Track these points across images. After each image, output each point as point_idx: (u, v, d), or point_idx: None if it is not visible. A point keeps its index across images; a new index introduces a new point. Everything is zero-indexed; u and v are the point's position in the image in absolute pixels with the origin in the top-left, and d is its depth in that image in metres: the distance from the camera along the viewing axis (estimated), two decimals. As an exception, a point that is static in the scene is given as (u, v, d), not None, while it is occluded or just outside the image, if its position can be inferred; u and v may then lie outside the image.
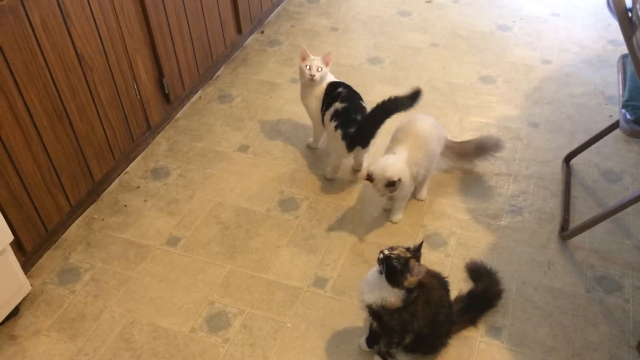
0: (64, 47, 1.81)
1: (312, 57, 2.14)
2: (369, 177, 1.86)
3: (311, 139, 2.37)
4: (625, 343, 1.67)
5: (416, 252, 1.45)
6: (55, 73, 1.80)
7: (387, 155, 1.93)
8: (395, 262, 1.41)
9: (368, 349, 1.66)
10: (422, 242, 1.48)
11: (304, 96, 2.25)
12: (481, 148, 2.18)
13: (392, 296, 1.44)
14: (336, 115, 2.07)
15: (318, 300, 1.82)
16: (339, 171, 2.23)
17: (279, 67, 2.85)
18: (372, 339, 1.63)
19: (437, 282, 1.55)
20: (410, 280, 1.41)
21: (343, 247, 1.98)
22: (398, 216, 2.06)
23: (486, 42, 2.98)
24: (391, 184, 1.84)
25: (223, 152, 2.38)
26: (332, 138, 2.11)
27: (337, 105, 2.08)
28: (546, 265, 1.90)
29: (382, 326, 1.52)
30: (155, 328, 1.75)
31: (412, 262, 1.41)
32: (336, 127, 2.06)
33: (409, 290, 1.43)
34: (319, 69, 2.13)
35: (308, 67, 2.13)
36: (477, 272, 1.81)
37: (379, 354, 1.62)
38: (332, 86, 2.17)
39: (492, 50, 2.92)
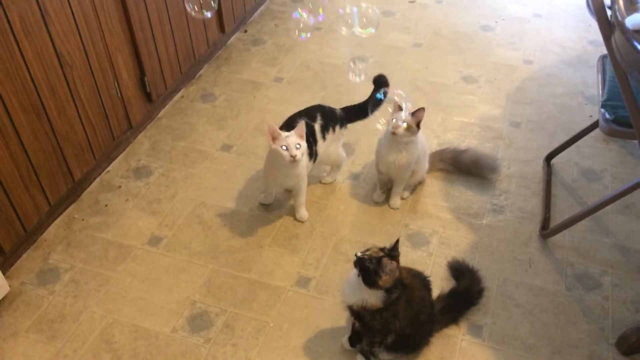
0: (43, 45, 1.79)
1: (284, 134, 1.81)
2: (399, 107, 1.86)
3: (263, 195, 2.13)
4: (604, 340, 1.69)
5: (392, 251, 1.44)
6: (34, 71, 1.78)
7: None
8: (367, 263, 1.41)
9: (350, 348, 1.66)
10: (397, 241, 1.46)
11: (287, 176, 1.93)
12: (477, 164, 2.19)
13: (373, 297, 1.44)
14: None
15: (301, 300, 1.81)
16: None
17: (263, 66, 2.84)
18: (355, 338, 1.63)
19: (419, 282, 1.56)
20: (385, 279, 1.40)
21: (326, 246, 1.98)
22: (397, 202, 2.08)
23: (469, 42, 3.00)
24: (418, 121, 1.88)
25: (206, 152, 2.36)
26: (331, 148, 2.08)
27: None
28: (527, 263, 1.91)
29: (365, 326, 1.53)
30: (136, 329, 1.74)
31: (385, 260, 1.40)
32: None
33: (389, 291, 1.43)
34: (298, 146, 1.80)
35: (284, 147, 1.79)
36: (459, 270, 1.82)
37: (362, 353, 1.62)
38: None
39: (474, 50, 2.94)
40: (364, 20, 1.60)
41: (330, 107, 2.08)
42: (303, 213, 2.04)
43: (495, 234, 2.01)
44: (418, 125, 1.91)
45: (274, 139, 1.81)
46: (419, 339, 1.60)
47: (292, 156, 1.79)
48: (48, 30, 1.79)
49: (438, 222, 2.06)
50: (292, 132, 1.83)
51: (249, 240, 2.00)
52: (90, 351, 1.68)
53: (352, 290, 1.47)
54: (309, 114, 2.01)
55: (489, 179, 2.20)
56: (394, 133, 1.90)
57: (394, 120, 1.90)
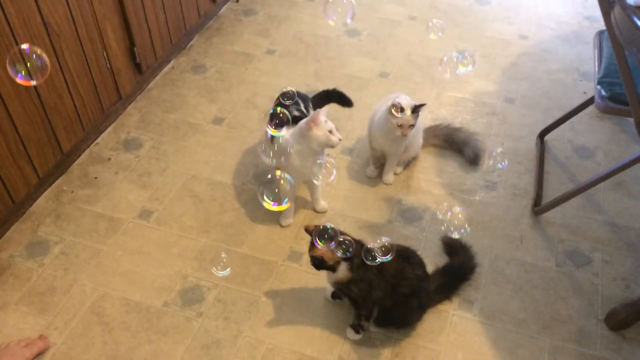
0: (29, 13, 1.73)
1: (322, 119, 1.74)
2: (398, 108, 1.82)
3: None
4: (593, 316, 1.71)
5: (321, 231, 1.49)
6: (21, 40, 1.72)
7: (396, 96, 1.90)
8: (314, 261, 1.50)
9: (332, 300, 1.72)
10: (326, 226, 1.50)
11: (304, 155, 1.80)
12: (466, 146, 2.18)
13: (340, 272, 1.51)
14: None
15: (293, 274, 1.81)
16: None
17: (255, 37, 2.79)
18: (337, 294, 1.70)
19: (395, 254, 1.57)
20: (329, 256, 1.48)
21: (318, 221, 1.97)
22: (390, 177, 2.08)
23: (464, 16, 2.96)
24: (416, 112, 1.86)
25: (197, 124, 2.33)
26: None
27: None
28: (519, 240, 1.92)
29: (349, 298, 1.60)
30: (127, 302, 1.73)
31: (311, 248, 1.49)
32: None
33: (347, 260, 1.50)
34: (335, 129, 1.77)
35: (330, 131, 1.74)
36: (452, 246, 1.82)
37: (351, 326, 1.64)
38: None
39: (470, 24, 2.90)
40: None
41: (304, 94, 2.04)
42: (323, 204, 2.00)
43: (487, 210, 2.01)
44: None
45: (317, 125, 1.72)
46: (405, 313, 1.61)
47: (339, 139, 1.75)
48: (34, -3, 1.74)
49: (431, 198, 2.05)
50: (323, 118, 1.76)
51: (241, 215, 1.99)
52: (81, 323, 1.68)
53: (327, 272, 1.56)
54: (293, 98, 1.96)
55: (471, 164, 2.18)
56: (403, 135, 1.89)
57: (399, 123, 1.86)
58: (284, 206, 1.44)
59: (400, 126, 1.87)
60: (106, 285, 1.77)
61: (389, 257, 1.46)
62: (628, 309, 1.64)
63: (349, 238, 1.53)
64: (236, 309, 1.72)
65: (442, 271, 1.75)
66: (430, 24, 1.81)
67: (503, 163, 1.76)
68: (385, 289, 1.54)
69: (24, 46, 1.19)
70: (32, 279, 1.79)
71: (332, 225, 1.52)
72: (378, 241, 1.48)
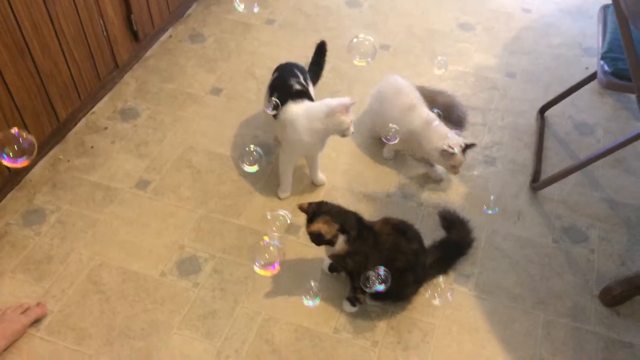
0: (23, -24, 1.70)
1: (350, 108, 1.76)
2: (451, 149, 1.83)
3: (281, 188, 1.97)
4: (588, 292, 1.72)
5: (318, 207, 1.53)
6: (16, 6, 1.69)
7: (442, 127, 1.90)
8: (312, 236, 1.51)
9: (329, 273, 1.73)
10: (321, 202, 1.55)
11: (322, 144, 1.85)
12: (447, 110, 2.14)
13: (338, 245, 1.53)
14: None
15: (290, 247, 1.81)
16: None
17: (254, 7, 2.74)
18: (334, 267, 1.71)
19: (390, 228, 1.59)
20: (326, 230, 1.49)
21: (316, 194, 1.96)
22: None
23: (467, -12, 2.91)
24: (472, 146, 1.88)
25: (195, 95, 2.31)
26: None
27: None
28: (516, 215, 1.92)
29: (345, 271, 1.63)
30: (124, 271, 1.73)
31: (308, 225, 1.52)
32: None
33: (344, 232, 1.51)
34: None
35: (351, 121, 1.75)
36: (450, 220, 1.82)
37: (347, 299, 1.65)
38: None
39: (472, -4, 2.85)
40: None
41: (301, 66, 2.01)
42: (322, 177, 1.99)
43: (485, 184, 2.01)
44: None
45: (347, 111, 1.73)
46: (400, 286, 1.61)
47: (352, 132, 1.76)
48: (29, -40, 1.70)
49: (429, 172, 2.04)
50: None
51: (239, 186, 1.98)
52: (78, 292, 1.68)
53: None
54: (292, 70, 1.94)
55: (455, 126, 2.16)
56: (456, 173, 1.91)
57: (453, 164, 1.88)
58: (274, 271, 1.43)
59: (454, 167, 1.87)
60: (103, 255, 1.77)
61: (383, 287, 1.49)
62: (623, 285, 1.65)
63: (343, 210, 1.53)
64: (233, 279, 1.72)
65: (439, 245, 1.75)
66: (435, 61, 1.88)
67: (495, 209, 1.80)
68: (380, 262, 1.54)
69: (13, 131, 1.24)
70: (28, 247, 1.78)
71: (326, 200, 1.52)
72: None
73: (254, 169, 1.61)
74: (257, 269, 1.42)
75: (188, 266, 1.75)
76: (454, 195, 1.98)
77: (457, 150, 1.84)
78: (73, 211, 1.89)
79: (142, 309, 1.65)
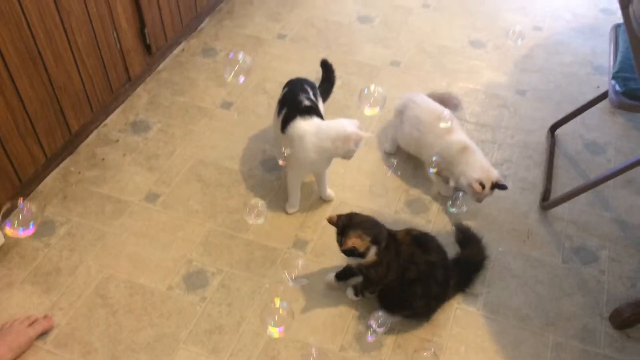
0: (39, -10, 1.72)
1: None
2: (482, 185, 1.83)
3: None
4: (598, 314, 1.70)
5: (348, 221, 1.54)
6: (30, 16, 1.71)
7: (476, 152, 1.90)
8: (347, 252, 1.52)
9: (335, 283, 1.72)
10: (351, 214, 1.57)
11: (328, 163, 1.86)
12: (446, 99, 2.16)
13: (369, 257, 1.53)
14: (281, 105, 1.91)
15: (297, 262, 1.81)
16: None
17: (266, 21, 2.77)
18: (343, 275, 1.71)
19: (410, 239, 1.60)
20: (359, 244, 1.49)
21: (324, 209, 1.96)
22: (450, 191, 2.03)
23: (479, 4, 2.92)
24: (502, 187, 1.86)
25: (206, 108, 2.32)
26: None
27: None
28: (525, 234, 1.91)
29: (364, 277, 1.63)
30: (131, 284, 1.73)
31: (345, 241, 1.50)
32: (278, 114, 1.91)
33: (375, 242, 1.51)
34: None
35: (355, 145, 1.75)
36: (465, 235, 1.80)
37: (353, 286, 1.70)
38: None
39: (483, 13, 2.86)
40: None
41: (311, 82, 2.02)
42: (330, 192, 1.99)
43: (495, 203, 2.00)
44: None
45: (357, 143, 1.74)
46: (406, 297, 1.60)
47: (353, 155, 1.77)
48: (45, -25, 1.72)
49: (438, 189, 2.04)
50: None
51: (248, 200, 1.98)
52: (85, 305, 1.68)
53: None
54: (302, 85, 1.94)
55: (482, 124, 2.19)
56: (479, 201, 1.89)
57: (480, 198, 1.87)
58: (281, 333, 1.45)
59: (477, 198, 1.87)
60: (111, 267, 1.78)
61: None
62: (633, 307, 1.63)
63: (374, 221, 1.55)
64: (240, 295, 1.72)
65: (454, 264, 1.73)
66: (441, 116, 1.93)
67: (463, 208, 1.82)
68: (397, 272, 1.57)
69: (19, 202, 1.31)
70: (37, 259, 1.79)
71: (355, 212, 1.55)
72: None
73: (259, 221, 1.66)
74: (269, 330, 1.44)
75: (195, 280, 1.75)
76: (464, 212, 1.96)
77: (487, 187, 1.83)
78: (83, 223, 1.90)
79: (149, 323, 1.65)
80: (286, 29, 2.73)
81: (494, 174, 1.85)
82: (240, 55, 1.59)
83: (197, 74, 2.47)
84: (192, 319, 1.66)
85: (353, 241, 1.48)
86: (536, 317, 1.69)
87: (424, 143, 1.98)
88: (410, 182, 2.07)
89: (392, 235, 1.58)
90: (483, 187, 1.82)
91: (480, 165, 1.86)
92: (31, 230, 1.29)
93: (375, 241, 1.51)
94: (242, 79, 1.58)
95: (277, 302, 1.44)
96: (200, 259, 1.81)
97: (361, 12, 2.83)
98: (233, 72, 1.57)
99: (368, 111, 1.60)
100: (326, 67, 2.15)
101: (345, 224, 1.52)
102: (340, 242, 1.52)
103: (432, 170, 1.87)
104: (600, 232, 1.92)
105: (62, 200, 1.96)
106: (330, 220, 1.55)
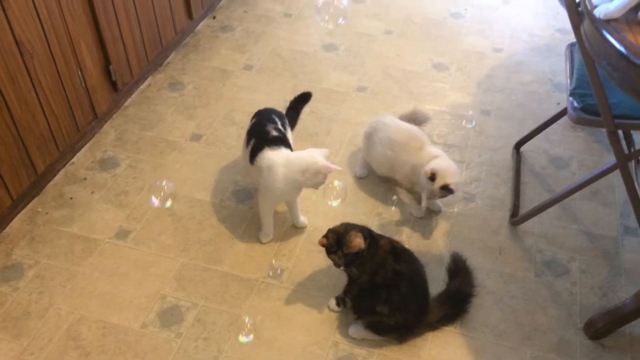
0: (1, 32, 1.71)
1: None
2: (432, 176, 1.84)
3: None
4: (572, 325, 1.72)
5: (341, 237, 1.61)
6: (-8, 59, 1.70)
7: (445, 158, 1.92)
8: (356, 254, 1.59)
9: (337, 309, 1.74)
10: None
11: (298, 191, 1.89)
12: (414, 116, 2.19)
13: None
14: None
15: (274, 292, 1.79)
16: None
17: (232, 53, 2.79)
18: (340, 301, 1.75)
19: (390, 247, 1.64)
20: (362, 243, 1.58)
21: (299, 237, 1.96)
22: (421, 212, 2.05)
23: (439, 29, 3.00)
24: (449, 191, 1.85)
25: (175, 142, 2.31)
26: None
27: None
28: (497, 251, 1.93)
29: (349, 277, 1.70)
30: (104, 325, 1.70)
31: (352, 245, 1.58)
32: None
33: (366, 237, 1.61)
34: None
35: (325, 177, 1.79)
36: (459, 266, 1.80)
37: (336, 297, 1.75)
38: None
39: (445, 37, 2.94)
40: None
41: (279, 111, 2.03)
42: (303, 219, 1.99)
43: (466, 221, 2.02)
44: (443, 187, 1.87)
45: (326, 175, 1.77)
46: (372, 301, 1.62)
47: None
48: (6, 15, 1.72)
49: (408, 211, 2.06)
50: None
51: (220, 232, 1.97)
52: (57, 348, 1.64)
53: None
54: (270, 116, 1.95)
55: (449, 145, 2.23)
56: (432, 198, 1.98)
57: (439, 197, 1.92)
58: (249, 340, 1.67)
59: (430, 195, 1.91)
60: (82, 308, 1.74)
61: None
62: (606, 317, 1.66)
63: (352, 224, 1.65)
64: (216, 328, 1.70)
65: (445, 298, 1.73)
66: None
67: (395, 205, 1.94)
68: (369, 274, 1.62)
69: None
70: (6, 304, 1.74)
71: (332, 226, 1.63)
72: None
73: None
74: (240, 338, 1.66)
75: (170, 316, 1.72)
76: (436, 232, 1.99)
77: (437, 184, 1.83)
78: (51, 265, 1.86)
79: (124, 363, 1.61)
80: (252, 60, 2.76)
81: (453, 178, 1.85)
82: (164, 183, 1.83)
83: (164, 108, 2.47)
84: (167, 356, 1.63)
85: (359, 241, 1.56)
86: (513, 333, 1.70)
87: (397, 162, 2.01)
88: (382, 205, 2.08)
89: (374, 238, 1.65)
90: (432, 179, 1.84)
91: (446, 164, 1.88)
92: None
93: (365, 236, 1.60)
94: (169, 202, 1.84)
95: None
96: (174, 294, 1.78)
97: (326, 41, 2.87)
98: (159, 197, 1.82)
99: (331, 202, 1.84)
100: (303, 98, 2.13)
101: (337, 236, 1.59)
102: (336, 257, 1.61)
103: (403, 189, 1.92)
104: (570, 244, 1.95)
105: (30, 242, 1.92)
106: (321, 244, 1.61)
